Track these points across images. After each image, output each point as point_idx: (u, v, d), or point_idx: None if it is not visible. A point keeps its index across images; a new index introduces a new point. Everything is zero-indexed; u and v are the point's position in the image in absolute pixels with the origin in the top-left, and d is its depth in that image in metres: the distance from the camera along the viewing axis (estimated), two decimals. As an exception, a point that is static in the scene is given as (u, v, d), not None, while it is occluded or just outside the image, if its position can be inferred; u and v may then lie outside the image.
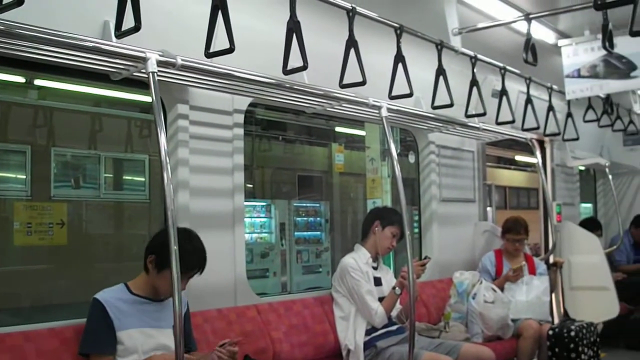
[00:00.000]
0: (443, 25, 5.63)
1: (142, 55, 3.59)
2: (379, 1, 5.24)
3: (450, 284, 6.50)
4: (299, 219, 11.02)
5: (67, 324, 3.88)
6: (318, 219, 11.33)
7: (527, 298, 6.58)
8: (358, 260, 5.50)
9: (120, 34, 3.57)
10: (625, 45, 6.34)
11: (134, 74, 3.84)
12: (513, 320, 6.39)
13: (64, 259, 6.73)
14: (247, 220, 9.95)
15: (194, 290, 4.40)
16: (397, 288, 5.32)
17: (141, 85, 3.68)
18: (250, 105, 5.13)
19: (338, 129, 10.96)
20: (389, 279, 5.70)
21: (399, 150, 7.85)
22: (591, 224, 9.33)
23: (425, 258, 5.72)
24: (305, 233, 11.09)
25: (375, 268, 5.63)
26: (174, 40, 4.17)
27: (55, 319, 3.95)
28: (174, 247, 3.30)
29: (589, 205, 11.91)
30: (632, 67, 6.50)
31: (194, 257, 3.90)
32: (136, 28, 3.39)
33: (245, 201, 10.05)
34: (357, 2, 4.65)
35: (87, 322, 3.70)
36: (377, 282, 5.55)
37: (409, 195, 7.15)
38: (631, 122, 8.66)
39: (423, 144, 6.97)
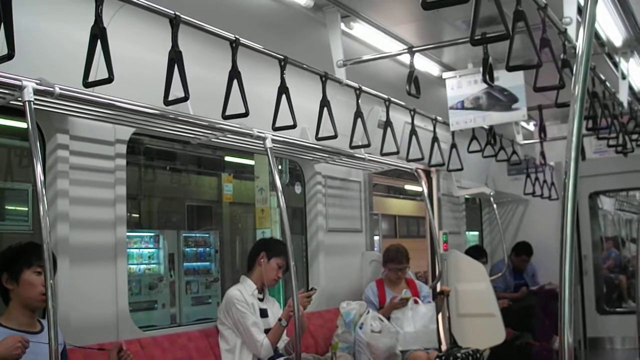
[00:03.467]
0: (328, 56, 5.66)
1: (18, 83, 3.49)
2: (264, 32, 5.25)
3: (337, 314, 6.51)
4: (188, 249, 10.95)
5: None
6: (207, 249, 11.28)
7: (415, 328, 6.65)
8: (244, 291, 5.47)
9: (-8, 62, 3.46)
10: (506, 78, 6.48)
11: (11, 102, 3.73)
12: (402, 352, 6.44)
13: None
14: (134, 251, 9.84)
15: (74, 325, 4.30)
16: (283, 320, 5.31)
17: (21, 112, 3.58)
18: (137, 134, 5.05)
19: (227, 158, 10.94)
20: (275, 311, 5.68)
21: (287, 181, 7.86)
22: (476, 252, 9.51)
23: (311, 289, 5.73)
24: (194, 264, 11.04)
25: (261, 300, 5.60)
26: (56, 68, 4.08)
27: None
28: (50, 282, 3.22)
29: (476, 233, 12.15)
30: (513, 99, 6.63)
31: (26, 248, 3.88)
32: (9, 56, 3.27)
33: (133, 232, 10.01)
34: (241, 33, 4.64)
35: None
36: (263, 313, 5.53)
37: (299, 225, 7.17)
38: (514, 152, 8.86)
39: (309, 174, 6.99)
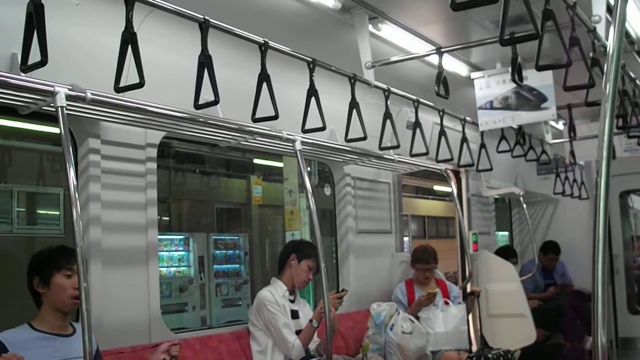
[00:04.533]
0: (356, 58, 5.67)
1: (51, 89, 3.54)
2: (293, 35, 5.27)
3: (367, 316, 6.51)
4: (218, 251, 10.96)
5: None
6: (237, 251, 11.29)
7: (446, 329, 6.63)
8: (275, 293, 5.49)
9: (26, 68, 3.49)
10: (535, 77, 6.45)
11: (43, 107, 3.77)
12: (433, 352, 6.43)
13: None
14: (165, 253, 9.87)
15: (107, 327, 4.34)
16: (314, 321, 5.32)
17: (52, 118, 3.62)
18: (166, 137, 5.09)
19: (256, 161, 10.94)
20: (306, 312, 5.69)
21: (316, 182, 7.86)
22: (506, 252, 9.49)
23: (342, 291, 5.73)
24: (224, 266, 11.05)
25: (292, 301, 5.62)
26: (87, 73, 4.12)
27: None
28: (84, 284, 3.25)
29: (506, 233, 12.10)
30: (542, 98, 6.60)
31: (55, 252, 3.90)
32: (42, 62, 3.31)
33: (163, 234, 10.05)
34: (270, 36, 4.66)
35: None
36: (295, 315, 5.55)
37: (328, 227, 7.18)
38: (543, 151, 8.82)
39: (339, 176, 7.00)
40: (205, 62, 4.10)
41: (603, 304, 2.22)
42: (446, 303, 6.83)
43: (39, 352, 3.63)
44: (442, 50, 5.68)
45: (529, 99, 6.63)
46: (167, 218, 11.14)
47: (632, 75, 6.75)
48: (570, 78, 4.93)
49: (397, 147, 6.10)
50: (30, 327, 3.77)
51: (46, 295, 3.82)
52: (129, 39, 3.68)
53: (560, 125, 9.76)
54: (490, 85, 6.77)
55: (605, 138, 2.30)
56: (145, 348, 4.58)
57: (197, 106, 4.16)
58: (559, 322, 9.62)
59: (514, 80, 5.35)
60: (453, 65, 6.79)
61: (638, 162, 9.66)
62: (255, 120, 4.66)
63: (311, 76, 5.06)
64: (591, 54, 5.23)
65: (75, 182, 3.37)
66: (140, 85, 3.65)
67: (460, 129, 7.17)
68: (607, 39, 5.06)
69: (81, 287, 3.25)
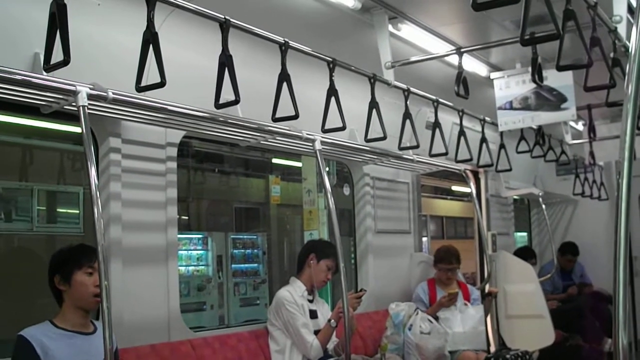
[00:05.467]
0: (376, 58, 5.67)
1: (73, 88, 3.55)
2: (313, 35, 5.27)
3: (386, 316, 6.50)
4: (236, 251, 10.99)
5: (-9, 363, 3.81)
6: (255, 250, 11.31)
7: (464, 329, 6.62)
8: (293, 293, 5.50)
9: (49, 67, 3.51)
10: (555, 77, 6.43)
11: (65, 107, 3.79)
12: (451, 352, 6.42)
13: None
14: (183, 252, 9.90)
15: (126, 325, 4.35)
16: (332, 320, 5.33)
17: (73, 117, 3.63)
18: (186, 137, 5.10)
19: (275, 160, 10.96)
20: (324, 312, 5.70)
21: (335, 182, 7.87)
22: (525, 253, 9.44)
23: (361, 290, 5.73)
24: (242, 265, 11.07)
25: (311, 301, 5.63)
26: (107, 73, 4.13)
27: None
28: (105, 283, 3.27)
29: (525, 234, 12.06)
30: (562, 99, 6.58)
31: (76, 250, 3.92)
32: (65, 62, 3.33)
33: (182, 233, 10.08)
34: (290, 36, 4.66)
35: None
36: (313, 314, 5.55)
37: (346, 227, 7.18)
38: (563, 152, 8.80)
39: (358, 176, 7.00)
40: (225, 62, 4.10)
41: (624, 306, 2.21)
42: (466, 304, 6.82)
43: (61, 349, 3.65)
44: (462, 50, 5.67)
45: (549, 99, 6.61)
46: (186, 217, 11.18)
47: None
48: (591, 78, 4.91)
49: (417, 147, 6.10)
50: (51, 325, 3.79)
51: (67, 293, 3.84)
52: (150, 38, 3.69)
53: (579, 126, 9.74)
54: (510, 86, 6.75)
55: (627, 139, 2.29)
56: (165, 346, 4.61)
57: (218, 105, 4.18)
58: (578, 323, 9.56)
59: (534, 81, 5.34)
60: (473, 65, 6.77)
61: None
62: (275, 119, 4.67)
63: (331, 76, 5.06)
64: (612, 54, 5.21)
65: (96, 181, 3.38)
66: (161, 84, 3.66)
67: (480, 129, 7.16)
68: (628, 39, 5.04)
69: (102, 285, 3.26)
